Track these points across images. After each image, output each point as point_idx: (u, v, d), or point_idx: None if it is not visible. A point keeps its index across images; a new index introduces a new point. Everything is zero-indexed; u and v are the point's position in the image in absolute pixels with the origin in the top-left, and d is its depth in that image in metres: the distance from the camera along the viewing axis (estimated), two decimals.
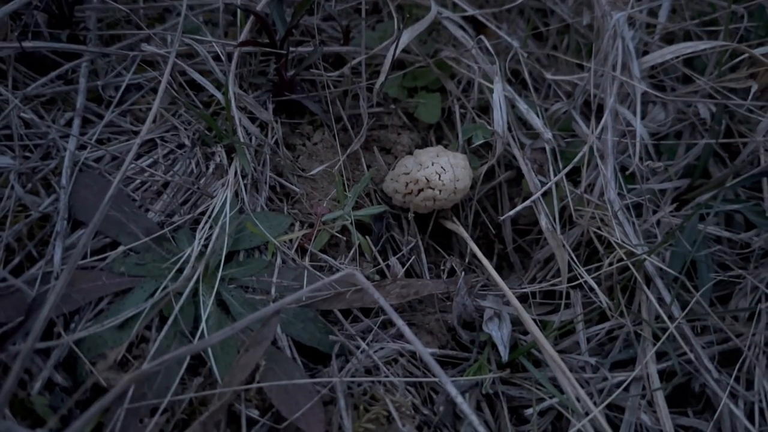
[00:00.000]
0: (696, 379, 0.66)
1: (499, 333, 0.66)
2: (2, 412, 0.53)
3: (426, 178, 0.72)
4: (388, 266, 0.74)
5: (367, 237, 0.74)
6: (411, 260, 0.75)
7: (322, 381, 0.60)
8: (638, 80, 0.78)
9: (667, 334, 0.63)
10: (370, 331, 0.67)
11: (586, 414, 0.60)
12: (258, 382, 0.58)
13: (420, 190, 0.73)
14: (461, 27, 0.85)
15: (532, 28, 0.93)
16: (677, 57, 0.78)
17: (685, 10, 0.88)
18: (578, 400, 0.61)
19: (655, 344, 0.67)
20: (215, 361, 0.60)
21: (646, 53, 0.83)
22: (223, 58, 0.74)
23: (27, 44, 0.69)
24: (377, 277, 0.73)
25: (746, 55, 0.77)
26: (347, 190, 0.75)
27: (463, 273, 0.70)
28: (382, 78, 0.76)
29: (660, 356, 0.67)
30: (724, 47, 0.78)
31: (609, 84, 0.77)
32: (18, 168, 0.65)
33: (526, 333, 0.69)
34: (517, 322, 0.68)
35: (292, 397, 0.59)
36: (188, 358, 0.60)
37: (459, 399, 0.50)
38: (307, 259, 0.70)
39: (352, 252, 0.73)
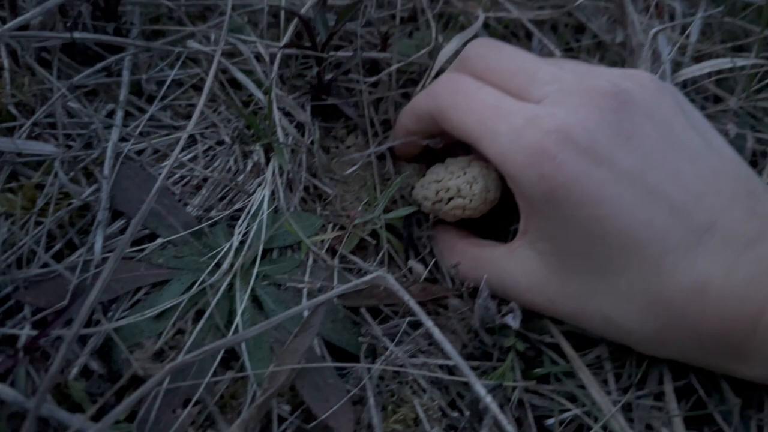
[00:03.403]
0: (712, 398, 0.67)
1: (514, 322, 0.67)
2: (45, 397, 0.54)
3: (457, 187, 0.72)
4: (410, 270, 0.75)
5: (397, 240, 0.76)
6: (431, 263, 0.76)
7: (352, 380, 0.62)
8: None
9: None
10: (398, 332, 0.68)
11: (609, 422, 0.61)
12: (292, 380, 0.60)
13: (450, 199, 0.73)
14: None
15: (565, 43, 0.95)
16: (712, 72, 0.78)
17: (716, 32, 0.90)
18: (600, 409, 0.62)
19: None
20: (248, 356, 0.61)
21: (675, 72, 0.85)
22: (266, 58, 0.75)
23: (77, 35, 0.70)
24: (404, 279, 0.74)
25: None
26: (378, 193, 0.76)
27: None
28: (420, 88, 0.78)
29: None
30: (763, 66, 0.79)
31: None
32: (61, 156, 0.67)
33: (547, 344, 0.70)
34: (537, 330, 0.69)
35: (323, 395, 0.60)
36: (222, 351, 0.61)
37: (482, 391, 0.52)
38: (336, 260, 0.72)
39: (380, 255, 0.74)
